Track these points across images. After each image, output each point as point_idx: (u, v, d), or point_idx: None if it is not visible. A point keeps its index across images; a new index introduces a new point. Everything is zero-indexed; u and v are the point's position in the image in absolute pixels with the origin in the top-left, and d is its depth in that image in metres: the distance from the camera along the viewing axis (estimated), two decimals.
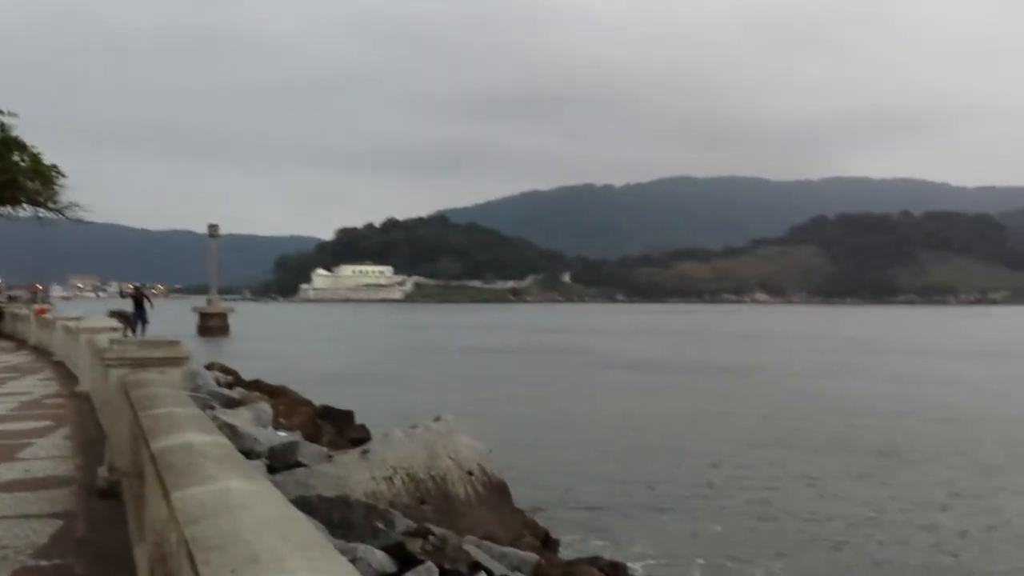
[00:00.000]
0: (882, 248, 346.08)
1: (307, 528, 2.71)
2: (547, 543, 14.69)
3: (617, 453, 26.74)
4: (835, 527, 18.49)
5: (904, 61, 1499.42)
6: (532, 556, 11.51)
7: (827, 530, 18.21)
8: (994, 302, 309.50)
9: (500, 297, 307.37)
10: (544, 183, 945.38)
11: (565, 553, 14.89)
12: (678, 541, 17.22)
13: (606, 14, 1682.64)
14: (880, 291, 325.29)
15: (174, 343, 9.25)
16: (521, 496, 17.05)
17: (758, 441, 29.14)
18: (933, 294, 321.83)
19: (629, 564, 14.49)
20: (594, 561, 13.16)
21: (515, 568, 10.78)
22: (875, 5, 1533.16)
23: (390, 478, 13.05)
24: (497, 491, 14.13)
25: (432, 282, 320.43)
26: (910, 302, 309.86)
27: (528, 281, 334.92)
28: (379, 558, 9.28)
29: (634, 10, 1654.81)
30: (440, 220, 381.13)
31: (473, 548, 10.50)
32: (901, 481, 23.25)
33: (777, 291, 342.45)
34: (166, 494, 3.48)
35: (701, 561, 15.89)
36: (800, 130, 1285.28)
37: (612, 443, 28.54)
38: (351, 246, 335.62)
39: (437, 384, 45.73)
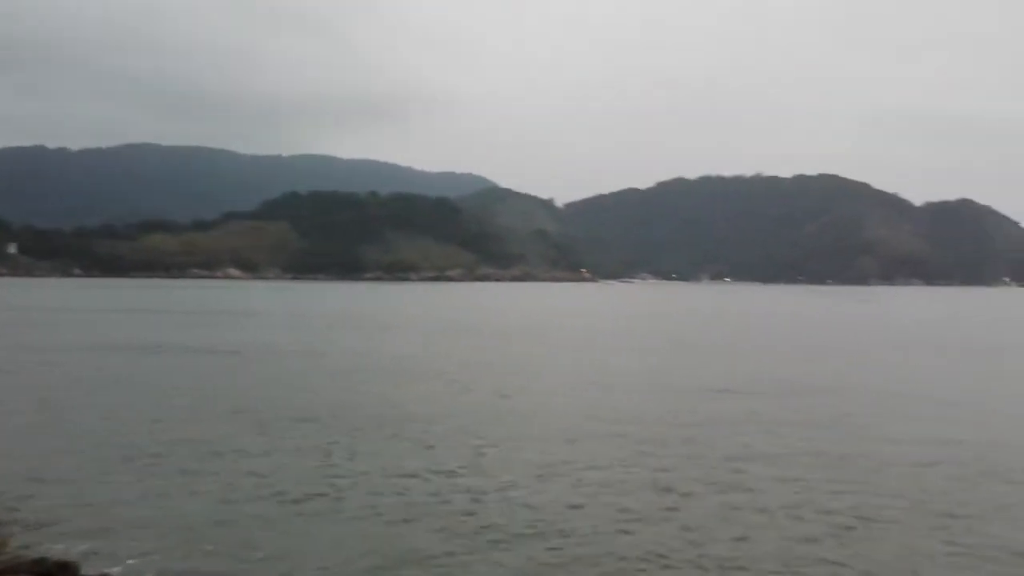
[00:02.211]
0: (351, 226, 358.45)
1: None
2: None
3: (84, 443, 22.74)
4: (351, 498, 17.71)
5: (379, 47, 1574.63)
6: None
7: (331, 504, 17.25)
8: (450, 279, 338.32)
9: None
10: None
11: (6, 558, 12.27)
12: (174, 533, 15.16)
13: None
14: (349, 268, 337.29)
15: None
16: None
17: (248, 420, 26.73)
18: (397, 270, 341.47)
19: (106, 568, 13.00)
20: (39, 563, 11.96)
21: None
22: None
23: None
24: None
25: None
26: (377, 278, 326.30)
27: None
28: None
29: None
30: None
31: None
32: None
33: (249, 266, 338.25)
34: None
35: (209, 547, 14.38)
36: (273, 105, 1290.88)
37: (78, 432, 24.28)
38: None
39: None
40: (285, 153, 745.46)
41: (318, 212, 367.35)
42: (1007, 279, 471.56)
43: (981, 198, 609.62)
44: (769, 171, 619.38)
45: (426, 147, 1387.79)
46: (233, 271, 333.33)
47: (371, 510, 16.74)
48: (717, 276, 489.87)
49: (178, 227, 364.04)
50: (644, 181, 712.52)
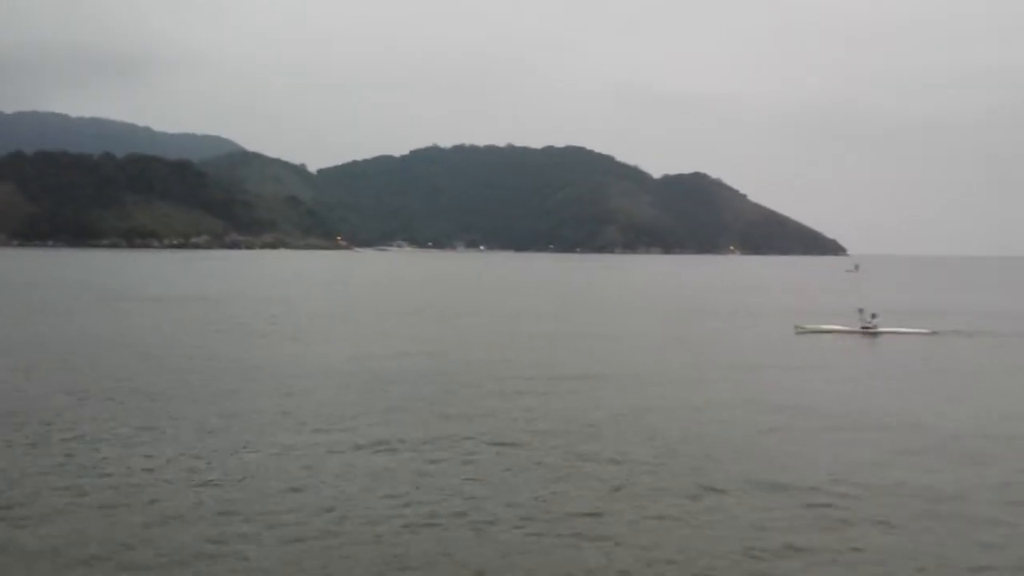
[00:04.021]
0: (84, 190, 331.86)
1: None
2: None
3: None
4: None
5: (114, 1, 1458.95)
6: None
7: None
8: (197, 246, 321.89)
9: None
10: None
11: None
12: None
13: None
14: (83, 234, 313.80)
15: None
16: None
17: None
18: (136, 237, 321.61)
19: None
20: None
21: None
22: None
23: None
24: None
25: None
26: (114, 245, 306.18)
27: None
28: None
29: None
30: None
31: None
32: None
33: None
34: None
35: None
36: None
37: None
38: None
39: None
40: (7, 110, 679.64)
41: (47, 174, 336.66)
42: (732, 248, 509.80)
43: (712, 171, 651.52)
44: (520, 142, 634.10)
45: (166, 108, 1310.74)
46: None
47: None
48: (472, 244, 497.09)
49: None
50: (399, 148, 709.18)
